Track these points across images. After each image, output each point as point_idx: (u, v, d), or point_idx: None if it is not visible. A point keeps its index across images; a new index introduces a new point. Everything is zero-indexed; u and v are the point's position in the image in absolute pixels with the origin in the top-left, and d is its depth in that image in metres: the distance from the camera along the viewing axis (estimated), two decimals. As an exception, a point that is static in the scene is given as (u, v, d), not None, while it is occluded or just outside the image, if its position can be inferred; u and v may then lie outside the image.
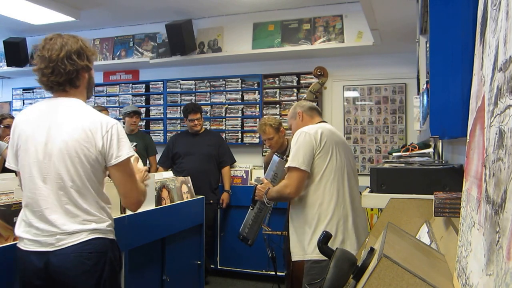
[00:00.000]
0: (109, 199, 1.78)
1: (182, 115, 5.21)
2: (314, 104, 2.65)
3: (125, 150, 1.70)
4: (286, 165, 2.28)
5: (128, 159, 1.71)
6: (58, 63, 1.65)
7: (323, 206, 2.26)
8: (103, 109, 4.43)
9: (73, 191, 1.64)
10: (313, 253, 2.22)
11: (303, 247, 2.28)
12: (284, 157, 2.71)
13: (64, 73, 1.66)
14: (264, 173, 3.98)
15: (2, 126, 4.22)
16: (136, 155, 2.04)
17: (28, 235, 1.64)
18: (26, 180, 1.68)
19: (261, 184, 2.57)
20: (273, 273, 3.49)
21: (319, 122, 2.48)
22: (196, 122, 4.35)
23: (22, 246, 1.66)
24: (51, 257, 1.60)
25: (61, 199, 1.63)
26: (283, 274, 3.63)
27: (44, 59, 1.66)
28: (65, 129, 1.65)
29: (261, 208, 2.65)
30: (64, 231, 1.61)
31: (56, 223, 1.61)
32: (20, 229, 1.68)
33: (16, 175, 1.90)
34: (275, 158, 2.68)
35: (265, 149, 4.96)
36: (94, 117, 1.70)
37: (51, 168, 1.63)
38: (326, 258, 2.05)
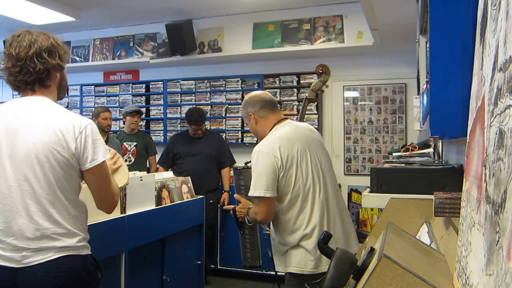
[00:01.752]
0: (85, 208, 1.64)
1: (182, 115, 5.22)
2: (266, 96, 2.26)
3: (101, 152, 1.56)
4: (250, 194, 2.04)
5: (104, 161, 1.58)
6: (27, 61, 1.52)
7: (297, 226, 2.07)
8: (105, 110, 4.42)
9: (43, 199, 1.49)
10: (291, 267, 2.10)
11: (283, 260, 2.16)
12: (239, 167, 2.51)
13: (34, 72, 1.53)
14: None
15: None
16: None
17: None
18: None
19: (238, 204, 2.31)
20: (273, 273, 3.49)
21: (276, 123, 2.19)
22: (199, 131, 4.38)
23: None
24: (19, 274, 1.47)
25: (29, 209, 1.48)
26: (283, 274, 3.63)
27: (11, 57, 1.52)
28: (33, 131, 1.50)
29: (251, 228, 2.44)
30: (30, 247, 1.47)
31: (22, 237, 1.47)
32: None
33: None
34: (234, 173, 2.51)
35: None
36: (66, 117, 1.55)
37: (18, 175, 1.48)
38: (305, 273, 2.03)
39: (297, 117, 3.50)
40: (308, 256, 2.04)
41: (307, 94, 3.03)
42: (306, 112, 4.71)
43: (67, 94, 1.83)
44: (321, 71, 3.02)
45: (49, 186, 1.50)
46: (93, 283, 1.60)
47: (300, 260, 2.04)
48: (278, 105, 4.93)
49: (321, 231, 1.99)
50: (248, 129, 4.99)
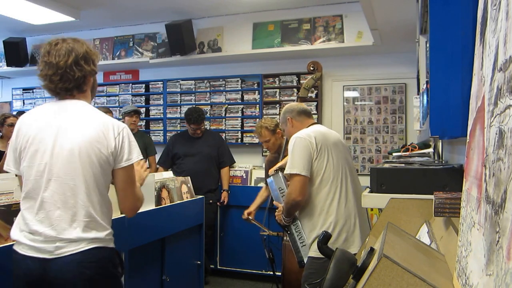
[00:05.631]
0: (111, 205, 1.74)
1: (182, 115, 5.22)
2: (303, 105, 2.64)
3: (135, 153, 1.70)
4: (286, 172, 2.29)
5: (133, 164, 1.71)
6: (67, 69, 1.61)
7: (325, 209, 2.31)
8: (107, 110, 4.42)
9: (82, 193, 1.59)
10: (311, 251, 2.32)
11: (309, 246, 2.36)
12: (275, 171, 2.61)
13: (73, 80, 1.63)
14: (265, 174, 3.97)
15: (6, 125, 4.23)
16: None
17: (25, 239, 1.58)
18: (31, 182, 1.61)
19: (277, 210, 2.52)
20: (272, 273, 3.50)
21: (311, 125, 2.50)
22: (198, 131, 4.38)
23: (19, 249, 1.60)
24: (51, 264, 1.55)
25: (67, 201, 1.58)
26: (280, 274, 3.63)
27: (51, 66, 1.61)
28: (75, 129, 1.62)
29: (295, 224, 2.47)
30: (63, 238, 1.56)
31: (57, 227, 1.56)
32: (17, 232, 1.62)
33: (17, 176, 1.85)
34: (270, 180, 2.63)
35: (265, 149, 4.96)
36: (105, 118, 1.68)
37: (60, 170, 1.58)
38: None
39: None
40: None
41: (299, 93, 3.02)
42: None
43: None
44: (312, 68, 3.00)
45: (87, 181, 1.60)
46: (118, 275, 1.72)
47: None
48: (278, 105, 4.98)
49: (351, 218, 2.31)
50: (248, 129, 5.05)
